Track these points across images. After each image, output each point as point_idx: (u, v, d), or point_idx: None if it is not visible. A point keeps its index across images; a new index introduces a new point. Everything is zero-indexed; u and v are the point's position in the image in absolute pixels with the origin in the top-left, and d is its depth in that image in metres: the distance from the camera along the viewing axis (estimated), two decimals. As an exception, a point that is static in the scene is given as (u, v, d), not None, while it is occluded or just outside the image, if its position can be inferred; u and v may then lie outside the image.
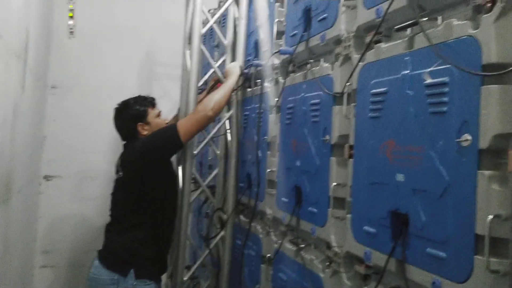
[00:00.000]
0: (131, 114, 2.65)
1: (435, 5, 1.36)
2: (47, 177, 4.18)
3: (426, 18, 1.36)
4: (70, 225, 4.26)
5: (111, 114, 2.76)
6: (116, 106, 2.75)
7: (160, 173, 2.59)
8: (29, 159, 3.34)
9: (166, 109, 4.24)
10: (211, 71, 3.20)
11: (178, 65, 3.16)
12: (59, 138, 4.18)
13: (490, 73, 1.10)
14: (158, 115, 2.77)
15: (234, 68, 2.83)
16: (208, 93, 2.90)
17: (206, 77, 3.33)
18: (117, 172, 2.68)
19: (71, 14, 2.91)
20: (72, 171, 4.25)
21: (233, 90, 2.89)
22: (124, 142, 2.74)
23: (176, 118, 3.07)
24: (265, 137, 2.57)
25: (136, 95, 2.87)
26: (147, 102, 2.74)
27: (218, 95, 2.63)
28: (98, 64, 4.31)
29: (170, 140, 2.53)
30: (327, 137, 1.87)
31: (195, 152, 2.87)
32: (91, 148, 4.24)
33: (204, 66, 3.52)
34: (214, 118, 2.70)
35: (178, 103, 3.12)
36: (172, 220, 2.72)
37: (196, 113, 2.59)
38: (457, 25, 1.23)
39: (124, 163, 2.62)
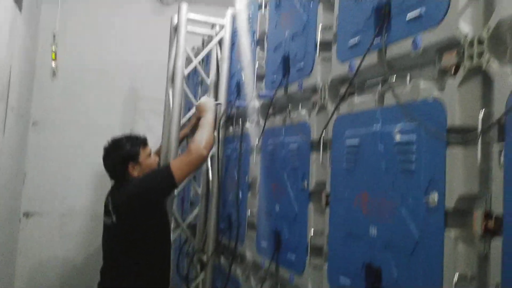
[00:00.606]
0: (122, 154, 2.57)
1: (404, 64, 1.42)
2: (27, 214, 4.12)
3: (395, 76, 1.42)
4: (50, 263, 4.18)
5: (93, 151, 2.74)
6: (106, 145, 2.67)
7: (155, 215, 2.52)
8: (9, 196, 3.30)
9: (150, 144, 4.26)
10: (194, 109, 3.23)
11: (161, 99, 3.20)
12: (40, 174, 4.14)
13: (453, 138, 1.14)
14: (149, 154, 2.72)
15: (208, 104, 2.84)
16: (192, 129, 2.93)
17: (189, 114, 3.36)
18: (108, 215, 2.55)
19: (54, 56, 2.94)
20: (52, 208, 4.20)
21: (215, 128, 2.93)
22: (113, 183, 2.67)
23: (158, 153, 3.07)
24: (246, 178, 2.59)
25: (119, 131, 2.89)
26: (138, 141, 2.68)
27: (206, 133, 2.63)
28: (81, 100, 4.33)
29: (165, 181, 2.47)
30: (305, 183, 1.90)
31: (175, 192, 2.87)
32: (72, 184, 4.21)
33: (188, 102, 3.57)
34: (208, 156, 2.70)
35: (161, 138, 3.14)
36: (168, 263, 2.64)
37: (190, 154, 2.54)
38: (423, 87, 1.28)
39: (117, 207, 2.50)
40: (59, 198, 4.19)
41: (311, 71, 1.95)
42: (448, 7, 1.19)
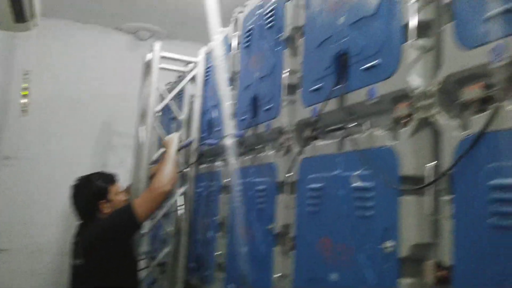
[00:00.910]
0: (93, 191, 2.51)
1: (362, 111, 1.46)
2: (-4, 251, 3.99)
3: (354, 124, 1.46)
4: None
5: (64, 186, 2.65)
6: (75, 182, 2.59)
7: (121, 255, 2.45)
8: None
9: (122, 179, 4.19)
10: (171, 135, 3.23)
11: (134, 134, 3.18)
12: (10, 210, 4.03)
13: (406, 187, 1.17)
14: (119, 192, 2.66)
15: (171, 140, 2.82)
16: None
17: (160, 151, 3.34)
18: (75, 256, 2.47)
19: (25, 93, 2.92)
20: (21, 245, 4.07)
21: (188, 166, 2.93)
22: (80, 223, 2.59)
23: (128, 189, 3.03)
24: (215, 217, 2.57)
25: (91, 166, 2.84)
26: (108, 178, 2.63)
27: (168, 168, 2.59)
28: (53, 135, 4.28)
29: (127, 220, 2.41)
30: (272, 225, 1.90)
31: (145, 230, 2.83)
32: (42, 220, 4.10)
33: (160, 138, 3.56)
34: (171, 192, 2.67)
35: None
36: None
37: (152, 191, 2.49)
38: (379, 135, 1.32)
39: (84, 247, 2.42)
40: (28, 234, 4.07)
41: (278, 113, 1.98)
42: (400, 60, 1.24)
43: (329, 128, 1.57)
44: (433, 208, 1.11)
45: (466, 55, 1.04)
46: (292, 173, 1.78)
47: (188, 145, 3.00)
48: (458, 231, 1.01)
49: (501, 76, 0.98)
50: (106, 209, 2.50)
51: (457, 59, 1.07)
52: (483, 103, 1.02)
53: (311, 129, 1.68)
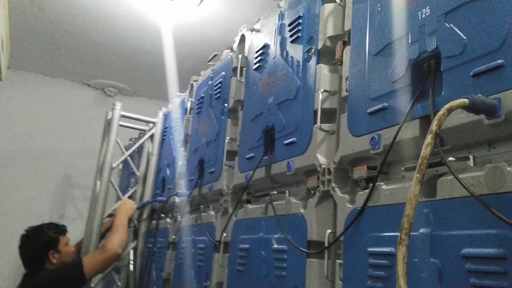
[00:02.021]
0: (43, 240, 2.57)
1: (285, 180, 1.65)
2: None
3: (276, 192, 1.64)
4: None
5: (18, 237, 2.68)
6: (25, 231, 2.64)
7: None
8: None
9: (79, 230, 4.20)
10: (119, 202, 3.32)
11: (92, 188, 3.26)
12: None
13: (311, 251, 1.34)
14: (68, 243, 2.73)
15: (122, 205, 2.96)
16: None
17: (114, 206, 3.43)
18: None
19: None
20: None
21: (140, 222, 3.04)
22: (25, 273, 2.61)
23: (79, 245, 3.08)
24: (162, 273, 2.65)
25: (48, 217, 2.90)
26: (59, 229, 2.70)
27: (120, 234, 2.67)
28: (12, 185, 4.31)
29: (74, 276, 2.45)
30: (208, 282, 2.01)
31: (92, 285, 2.86)
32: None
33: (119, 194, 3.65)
34: (121, 256, 2.72)
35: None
36: None
37: (104, 252, 2.55)
38: (294, 203, 1.50)
39: None
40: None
41: (219, 176, 2.15)
42: (310, 140, 1.45)
43: (257, 194, 1.75)
44: (331, 271, 1.27)
45: (354, 141, 1.26)
46: (226, 234, 1.93)
47: (145, 205, 3.12)
48: (346, 291, 1.18)
49: (378, 161, 1.19)
50: (55, 259, 2.55)
51: (349, 144, 1.28)
52: (368, 181, 1.23)
53: (242, 194, 1.85)
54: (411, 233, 0.98)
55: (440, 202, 0.95)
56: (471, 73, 0.92)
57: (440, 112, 0.82)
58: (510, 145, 0.89)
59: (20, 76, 4.49)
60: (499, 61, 0.86)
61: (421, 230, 0.96)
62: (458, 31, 0.97)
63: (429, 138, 0.79)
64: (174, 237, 2.59)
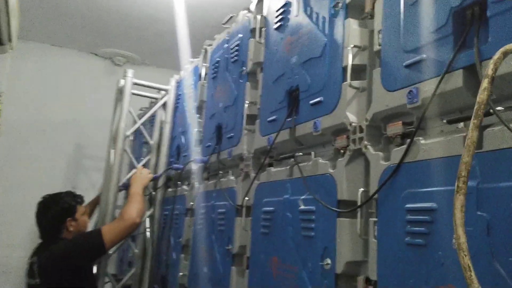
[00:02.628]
0: (61, 207, 2.55)
1: (310, 142, 1.62)
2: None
3: (301, 153, 1.61)
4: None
5: (33, 207, 2.65)
6: (42, 198, 2.62)
7: (81, 279, 2.45)
8: None
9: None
10: (134, 170, 3.31)
11: (106, 158, 3.25)
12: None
13: (342, 210, 1.31)
14: (85, 212, 2.73)
15: (137, 175, 2.94)
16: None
17: (130, 175, 3.43)
18: (32, 276, 2.45)
19: (-3, 115, 3.00)
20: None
21: (156, 190, 3.05)
22: (40, 242, 2.61)
23: (94, 202, 3.14)
24: (180, 239, 2.66)
25: (62, 187, 2.91)
26: (77, 198, 2.70)
27: (137, 203, 2.65)
28: (24, 157, 4.31)
29: (94, 246, 2.43)
30: (230, 246, 2.01)
31: (110, 252, 2.88)
32: (9, 241, 4.09)
33: (131, 162, 3.65)
34: (139, 224, 2.71)
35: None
36: None
37: (123, 221, 2.52)
38: (321, 163, 1.47)
39: (42, 268, 2.41)
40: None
41: (238, 141, 2.12)
42: (340, 97, 1.41)
43: (282, 156, 1.72)
44: (363, 229, 1.25)
45: (389, 96, 1.21)
46: (248, 198, 1.91)
47: (156, 178, 3.11)
48: (380, 249, 1.16)
49: (415, 115, 1.15)
50: (72, 227, 2.54)
51: (382, 100, 1.23)
52: (403, 137, 1.19)
53: (265, 157, 1.82)
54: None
55: (487, 154, 0.91)
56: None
57: (496, 56, 0.78)
58: None
59: (28, 46, 4.43)
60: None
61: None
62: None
63: (485, 83, 0.75)
64: (192, 203, 2.59)
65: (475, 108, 0.74)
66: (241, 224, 1.96)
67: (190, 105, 2.97)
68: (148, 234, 3.08)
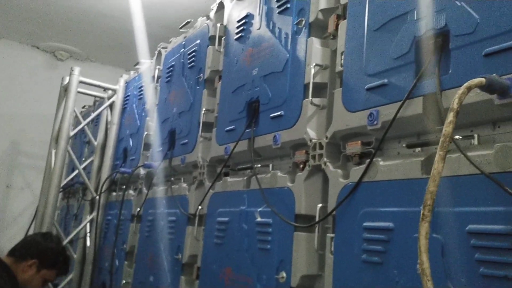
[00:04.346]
0: (51, 251, 2.15)
1: (269, 154, 1.64)
2: None
3: (260, 165, 1.62)
4: None
5: None
6: (51, 232, 2.50)
7: None
8: None
9: (27, 201, 4.02)
10: (76, 171, 3.18)
11: (43, 156, 3.09)
12: None
13: (299, 224, 1.34)
14: (49, 278, 2.19)
15: None
16: None
17: (71, 176, 3.29)
18: None
19: None
20: None
21: (100, 193, 2.92)
22: None
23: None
24: (124, 246, 2.58)
25: None
26: (61, 265, 2.21)
27: None
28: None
29: None
30: (180, 255, 1.98)
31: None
32: None
33: (71, 162, 3.50)
34: None
35: (38, 198, 3.00)
36: None
37: None
38: (280, 177, 1.49)
39: None
40: None
41: (193, 148, 2.10)
42: (300, 113, 1.44)
43: (240, 167, 1.72)
44: (320, 244, 1.29)
45: (349, 116, 1.26)
46: (201, 207, 1.90)
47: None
48: (337, 265, 1.19)
49: (374, 137, 1.20)
50: (29, 271, 2.08)
51: (343, 119, 1.28)
52: (362, 157, 1.23)
53: (222, 166, 1.82)
54: (413, 209, 1.01)
55: (444, 179, 0.97)
56: (483, 53, 0.94)
57: (460, 91, 0.83)
58: (519, 125, 0.92)
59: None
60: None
61: (424, 206, 0.98)
62: (470, 10, 0.98)
63: (451, 116, 0.80)
64: (139, 209, 2.52)
65: (441, 140, 0.78)
66: (192, 233, 1.93)
67: (141, 107, 2.90)
68: (88, 239, 2.97)
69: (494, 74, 0.88)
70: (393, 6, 1.19)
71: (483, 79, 0.85)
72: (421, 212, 0.76)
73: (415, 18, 1.11)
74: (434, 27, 1.06)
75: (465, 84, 0.83)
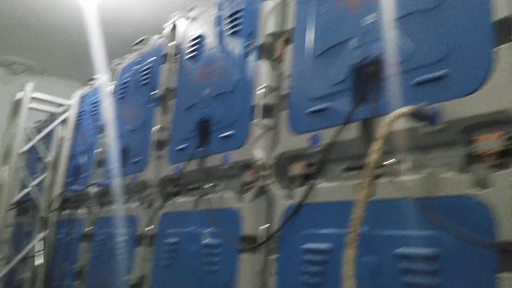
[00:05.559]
0: None
1: (219, 174, 1.64)
2: None
3: (210, 185, 1.62)
4: None
5: None
6: None
7: None
8: None
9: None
10: (28, 189, 3.08)
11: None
12: None
13: (245, 246, 1.34)
14: None
15: None
16: None
17: (22, 193, 3.18)
18: None
19: None
20: None
21: (51, 211, 2.83)
22: None
23: None
24: (75, 266, 2.50)
25: None
26: None
27: None
28: None
29: None
30: (128, 276, 1.94)
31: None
32: None
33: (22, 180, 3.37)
34: None
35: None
36: None
37: None
38: (228, 197, 1.49)
39: None
40: None
41: (145, 167, 2.08)
42: (249, 134, 1.45)
43: (189, 187, 1.71)
44: (265, 266, 1.29)
45: (294, 138, 1.28)
46: (152, 227, 1.87)
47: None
48: (279, 287, 1.20)
49: (316, 159, 1.22)
50: None
51: (288, 141, 1.30)
52: (306, 178, 1.26)
53: (173, 186, 1.80)
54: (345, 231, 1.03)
55: (377, 202, 1.01)
56: (414, 82, 0.98)
57: (387, 120, 0.87)
58: (444, 152, 0.96)
59: None
60: (443, 71, 0.92)
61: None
62: (403, 40, 1.03)
63: (377, 145, 0.83)
64: (90, 228, 2.46)
65: (366, 168, 0.81)
66: (142, 254, 1.90)
67: (94, 124, 2.84)
68: (39, 258, 2.86)
69: (423, 103, 0.92)
70: (334, 33, 1.23)
71: (412, 108, 0.89)
72: (347, 238, 0.79)
73: (354, 46, 1.15)
74: (370, 55, 1.10)
75: (393, 113, 0.87)
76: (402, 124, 0.97)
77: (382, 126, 0.85)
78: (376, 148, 0.81)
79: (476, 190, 0.84)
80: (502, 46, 0.84)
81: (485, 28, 0.89)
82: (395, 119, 0.86)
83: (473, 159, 0.88)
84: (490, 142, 0.84)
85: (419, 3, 0.99)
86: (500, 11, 0.86)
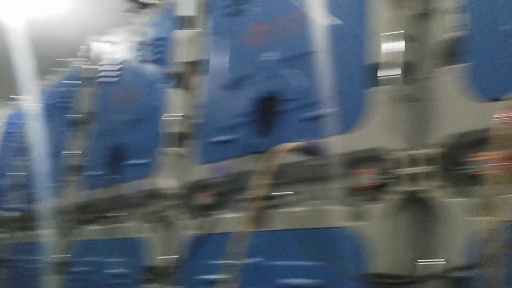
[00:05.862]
0: None
1: (128, 202, 1.59)
2: None
3: (120, 214, 1.59)
4: None
5: None
6: None
7: None
8: None
9: None
10: None
11: None
12: None
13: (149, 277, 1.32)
14: None
15: None
16: None
17: None
18: None
19: None
20: None
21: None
22: None
23: None
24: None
25: None
26: None
27: None
28: None
29: None
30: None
31: None
32: None
33: None
34: None
35: None
36: None
37: None
38: (135, 227, 1.47)
39: None
40: None
41: (58, 193, 2.00)
42: (161, 163, 1.44)
43: (98, 215, 1.67)
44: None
45: (201, 168, 1.29)
46: (62, 255, 1.80)
47: None
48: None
49: (221, 189, 1.24)
50: None
51: (194, 170, 1.31)
52: (211, 208, 1.26)
53: (86, 213, 1.75)
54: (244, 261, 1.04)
55: (274, 233, 1.02)
56: (302, 117, 1.02)
57: (273, 154, 0.89)
58: (330, 184, 1.00)
59: None
60: (327, 110, 0.97)
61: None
62: (295, 78, 1.07)
63: (260, 179, 0.85)
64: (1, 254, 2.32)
65: (248, 202, 0.83)
66: (53, 282, 1.81)
67: (13, 146, 2.71)
68: None
69: (311, 138, 0.96)
70: (240, 67, 1.26)
71: (299, 144, 0.93)
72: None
73: (255, 81, 1.19)
74: (268, 90, 1.14)
75: (280, 147, 0.90)
76: (290, 158, 1.00)
77: (266, 162, 0.87)
78: (257, 183, 0.83)
79: (353, 222, 0.88)
80: (372, 88, 0.90)
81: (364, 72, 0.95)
82: (282, 154, 0.89)
83: (352, 192, 0.92)
84: (366, 177, 0.89)
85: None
86: (371, 57, 0.93)
